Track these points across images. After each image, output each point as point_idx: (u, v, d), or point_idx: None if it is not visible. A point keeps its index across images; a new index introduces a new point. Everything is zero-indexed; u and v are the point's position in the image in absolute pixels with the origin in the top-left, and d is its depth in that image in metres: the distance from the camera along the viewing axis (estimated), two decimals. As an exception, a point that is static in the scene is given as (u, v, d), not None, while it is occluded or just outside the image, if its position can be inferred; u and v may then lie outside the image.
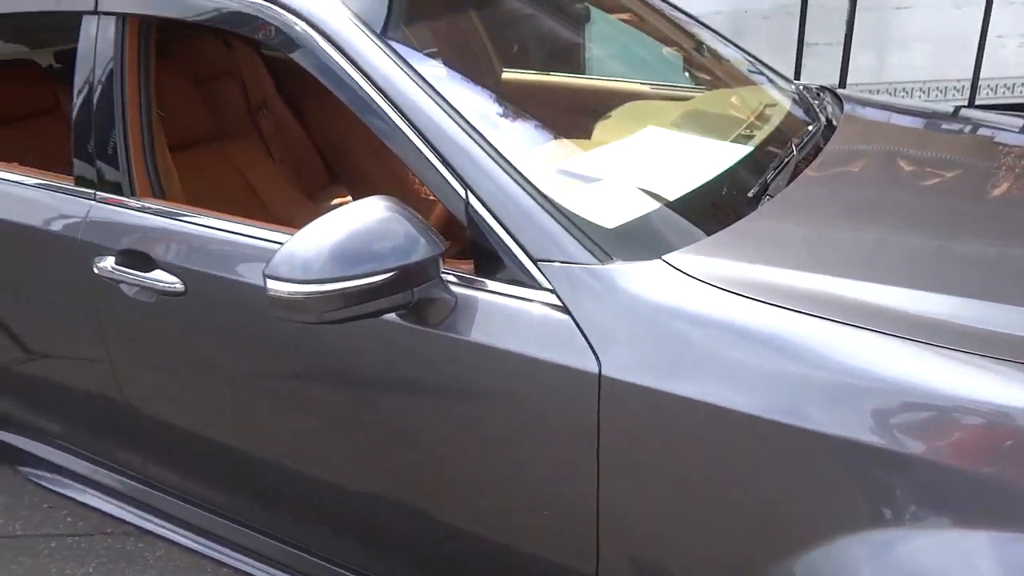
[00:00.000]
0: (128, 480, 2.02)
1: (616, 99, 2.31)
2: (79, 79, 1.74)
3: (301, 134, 3.09)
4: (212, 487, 1.84)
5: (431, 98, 1.38)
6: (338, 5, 1.50)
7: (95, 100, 1.71)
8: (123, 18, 1.68)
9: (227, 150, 2.63)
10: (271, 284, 1.19)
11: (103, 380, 1.83)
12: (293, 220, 2.56)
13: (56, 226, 1.76)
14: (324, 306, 1.19)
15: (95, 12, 1.70)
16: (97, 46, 1.70)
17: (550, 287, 1.24)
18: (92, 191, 1.73)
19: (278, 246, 1.45)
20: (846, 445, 1.05)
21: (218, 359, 1.62)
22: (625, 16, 2.36)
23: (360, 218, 1.23)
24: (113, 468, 2.04)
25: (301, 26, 1.49)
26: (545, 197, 1.30)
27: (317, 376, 1.49)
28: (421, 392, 1.37)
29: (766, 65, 2.24)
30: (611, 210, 1.35)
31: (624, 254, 1.26)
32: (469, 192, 1.31)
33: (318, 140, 3.10)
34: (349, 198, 2.97)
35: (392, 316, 1.31)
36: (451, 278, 1.33)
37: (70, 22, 1.78)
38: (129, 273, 1.61)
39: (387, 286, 1.20)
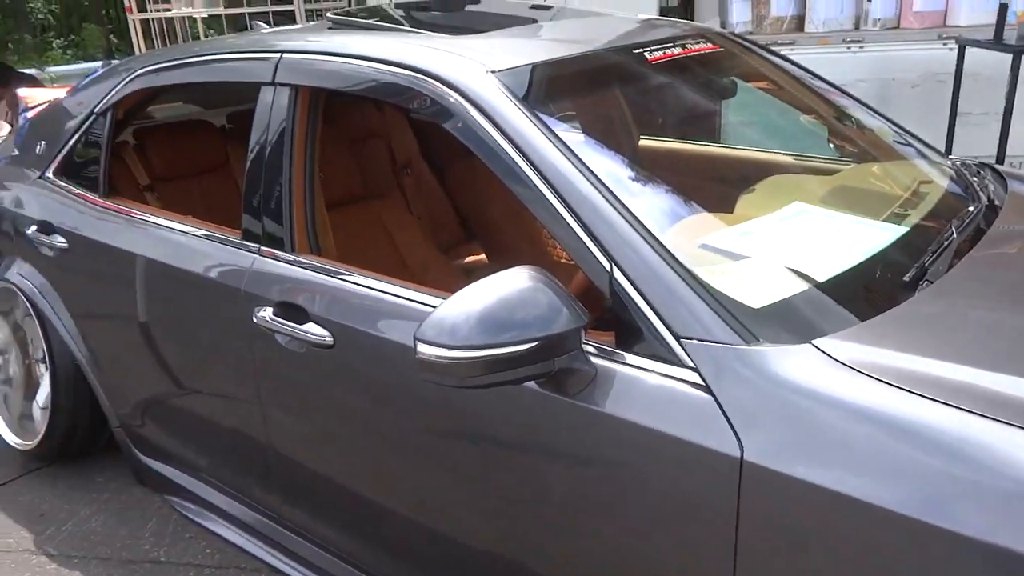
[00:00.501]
0: (264, 519, 2.11)
1: (758, 170, 2.28)
2: (253, 141, 1.89)
3: (440, 193, 3.23)
4: (342, 533, 1.90)
5: (578, 169, 1.42)
6: (491, 79, 1.58)
7: (265, 160, 1.86)
8: (296, 89, 1.83)
9: (373, 207, 2.78)
10: (420, 347, 1.23)
11: (251, 422, 1.94)
12: (428, 273, 2.67)
13: (223, 276, 1.91)
14: (468, 371, 1.22)
15: (272, 83, 1.86)
16: (272, 112, 1.86)
17: (692, 365, 1.23)
18: (257, 245, 1.87)
19: (423, 307, 1.54)
20: (1005, 556, 0.97)
21: (360, 411, 1.69)
22: (763, 84, 2.35)
23: (506, 287, 1.26)
24: (251, 505, 2.15)
25: (454, 97, 1.58)
26: (690, 273, 1.30)
27: (454, 434, 1.52)
28: (556, 459, 1.37)
29: (916, 137, 2.16)
30: (758, 289, 1.33)
31: (771, 336, 1.23)
32: (614, 265, 1.32)
33: (456, 200, 3.23)
34: (483, 256, 3.06)
35: (532, 383, 1.33)
36: (591, 349, 1.34)
37: (248, 91, 1.96)
38: (284, 324, 1.72)
39: (529, 355, 1.22)
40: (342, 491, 1.82)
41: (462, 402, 1.46)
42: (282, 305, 1.75)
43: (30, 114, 4.01)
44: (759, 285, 1.35)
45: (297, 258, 1.80)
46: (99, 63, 10.44)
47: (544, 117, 1.52)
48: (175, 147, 2.72)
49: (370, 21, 2.04)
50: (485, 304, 1.24)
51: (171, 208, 2.43)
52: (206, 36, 6.12)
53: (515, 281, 1.27)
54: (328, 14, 2.18)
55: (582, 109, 1.94)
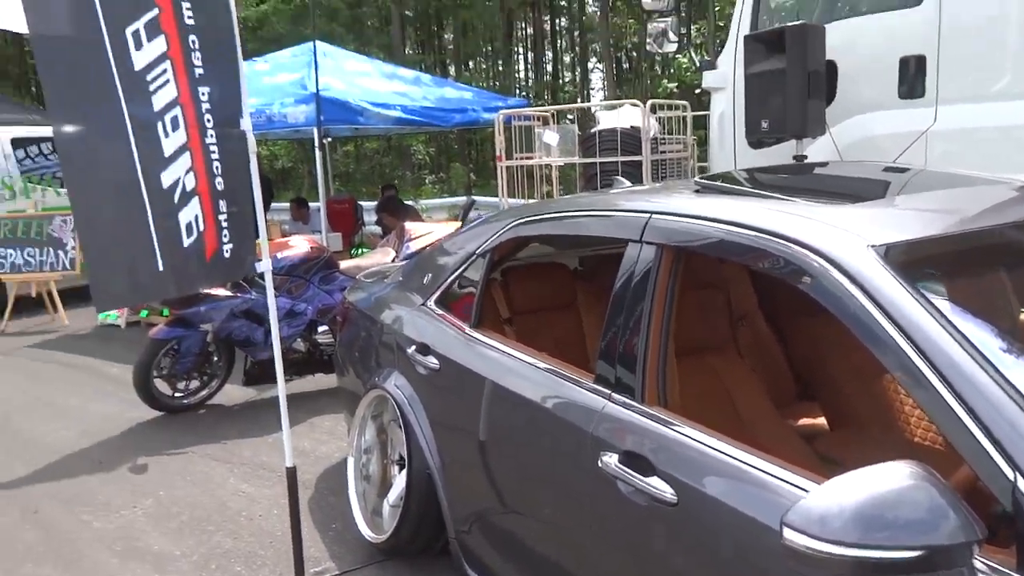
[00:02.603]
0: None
1: None
2: (617, 291, 2.02)
3: (776, 347, 3.13)
4: None
5: (977, 363, 1.29)
6: (869, 253, 1.53)
7: (625, 311, 1.97)
8: (661, 247, 1.94)
9: (708, 358, 2.77)
10: (787, 533, 1.18)
11: (579, 561, 1.98)
12: (766, 432, 2.56)
13: (573, 415, 2.02)
14: (838, 569, 1.14)
15: (640, 241, 1.99)
16: (636, 267, 1.98)
17: None
18: (608, 390, 1.96)
19: (774, 479, 1.48)
20: None
21: (698, 577, 1.64)
22: None
23: (884, 483, 1.17)
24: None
25: (820, 263, 1.57)
26: (1122, 498, 1.10)
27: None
28: None
29: None
30: None
31: None
32: (1019, 475, 1.17)
33: (793, 356, 3.11)
34: (822, 419, 2.88)
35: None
36: (982, 567, 1.18)
37: (603, 240, 2.11)
38: (630, 474, 1.76)
39: (908, 565, 1.11)
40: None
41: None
42: (628, 454, 1.79)
43: (412, 245, 4.73)
44: None
45: (647, 408, 1.84)
46: (461, 197, 12.10)
47: (931, 296, 1.43)
48: (534, 285, 3.00)
49: (737, 186, 2.11)
50: (859, 498, 1.16)
51: (523, 339, 2.65)
52: (559, 180, 6.78)
53: (895, 477, 1.17)
54: (696, 177, 2.30)
55: (972, 290, 1.78)
